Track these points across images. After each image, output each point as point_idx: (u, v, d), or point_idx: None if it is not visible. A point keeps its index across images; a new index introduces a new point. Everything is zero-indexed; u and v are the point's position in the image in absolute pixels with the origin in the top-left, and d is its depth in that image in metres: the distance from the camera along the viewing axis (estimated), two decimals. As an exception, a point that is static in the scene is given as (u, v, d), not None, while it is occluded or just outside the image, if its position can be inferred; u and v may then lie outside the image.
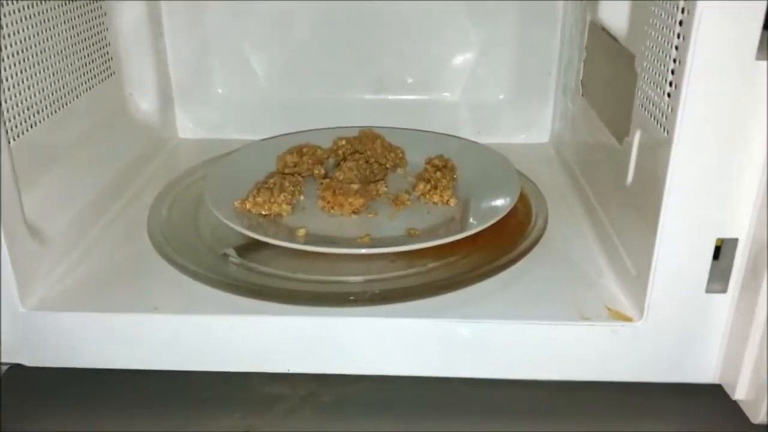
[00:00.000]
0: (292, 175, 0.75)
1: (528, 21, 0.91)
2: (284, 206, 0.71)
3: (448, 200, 0.73)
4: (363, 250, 0.64)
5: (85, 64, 0.77)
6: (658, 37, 0.55)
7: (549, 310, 0.60)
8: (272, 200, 0.70)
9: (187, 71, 0.95)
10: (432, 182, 0.74)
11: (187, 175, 0.81)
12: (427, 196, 0.74)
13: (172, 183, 0.79)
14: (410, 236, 0.67)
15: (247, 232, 0.65)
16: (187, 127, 0.97)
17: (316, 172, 0.80)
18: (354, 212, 0.71)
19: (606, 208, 0.68)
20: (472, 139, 0.93)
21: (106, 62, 0.82)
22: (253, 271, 0.64)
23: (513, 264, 0.64)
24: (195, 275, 0.62)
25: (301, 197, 0.74)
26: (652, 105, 0.56)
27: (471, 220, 0.70)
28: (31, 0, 0.65)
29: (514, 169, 0.78)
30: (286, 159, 0.80)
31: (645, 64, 0.58)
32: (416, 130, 0.91)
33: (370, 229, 0.69)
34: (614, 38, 0.66)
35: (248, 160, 0.81)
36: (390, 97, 0.97)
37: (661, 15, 0.54)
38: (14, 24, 0.62)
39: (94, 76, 0.79)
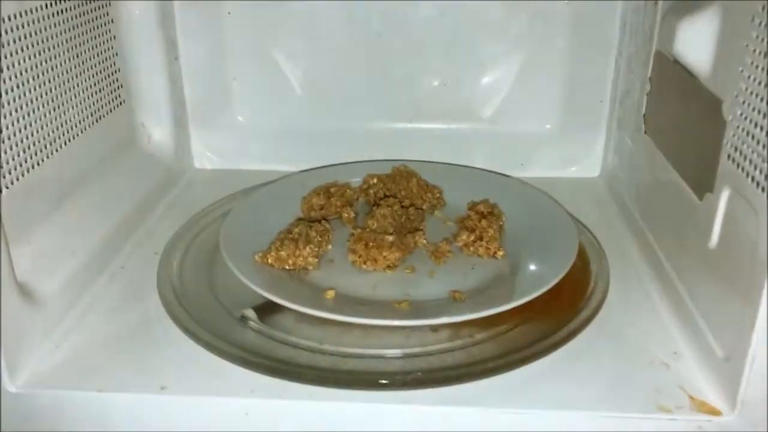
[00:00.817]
0: (319, 222, 0.67)
1: (578, 45, 0.82)
2: (310, 259, 0.63)
3: (495, 253, 0.65)
4: (401, 322, 0.55)
5: (92, 95, 0.69)
6: (757, 81, 0.46)
7: (618, 398, 0.51)
8: (297, 253, 0.62)
9: (204, 96, 0.87)
10: (477, 232, 0.66)
11: (200, 217, 0.73)
12: (472, 248, 0.65)
13: (185, 228, 0.71)
14: (455, 300, 0.59)
15: (269, 295, 0.57)
16: (204, 156, 0.89)
17: (345, 215, 0.71)
18: (389, 267, 0.63)
19: (681, 271, 0.59)
20: (516, 173, 0.85)
21: (115, 90, 0.75)
22: (274, 339, 0.56)
23: (572, 338, 0.56)
24: (208, 346, 0.54)
25: (329, 247, 0.66)
26: (747, 161, 0.47)
27: (523, 280, 0.61)
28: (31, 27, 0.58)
29: (568, 216, 0.69)
30: (312, 201, 0.72)
31: (738, 112, 0.49)
32: (454, 165, 0.83)
33: (407, 288, 0.61)
34: (692, 74, 0.57)
35: (270, 202, 0.73)
36: (425, 126, 0.88)
37: (760, 54, 0.46)
38: (12, 55, 0.55)
39: (102, 106, 0.71)
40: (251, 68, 0.86)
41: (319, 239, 0.64)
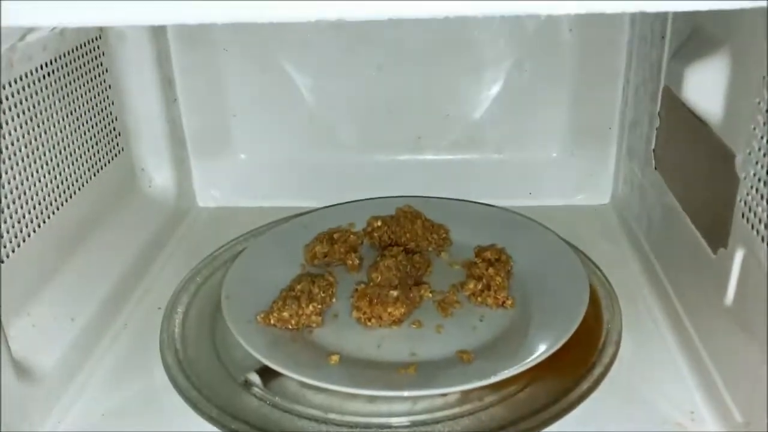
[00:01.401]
0: (322, 276, 0.65)
1: (585, 71, 0.80)
2: (314, 318, 0.61)
3: (503, 302, 0.63)
4: (408, 393, 0.54)
5: (89, 149, 0.68)
6: (771, 143, 0.44)
7: (634, 466, 0.49)
8: (300, 312, 0.61)
9: (204, 134, 0.86)
10: (484, 281, 0.64)
11: (203, 266, 0.72)
12: (479, 298, 0.64)
13: (188, 279, 0.70)
14: (462, 362, 0.57)
15: (270, 363, 0.56)
16: (207, 194, 0.88)
17: (349, 262, 0.70)
18: (394, 323, 0.61)
19: (697, 323, 0.57)
20: (524, 202, 0.83)
21: (113, 140, 0.73)
22: (277, 408, 0.54)
23: (585, 399, 0.54)
24: (212, 420, 0.53)
25: (334, 300, 0.65)
26: (763, 225, 0.45)
27: (533, 336, 0.59)
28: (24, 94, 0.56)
29: (578, 259, 0.67)
30: (316, 250, 0.70)
31: (752, 172, 0.47)
32: (460, 200, 0.81)
33: (414, 345, 0.59)
34: (702, 120, 0.55)
35: (272, 251, 0.71)
36: (429, 157, 0.86)
37: (775, 116, 0.44)
38: (7, 124, 0.54)
39: (101, 158, 0.70)
40: (250, 103, 0.84)
41: (323, 295, 0.63)
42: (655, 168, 0.69)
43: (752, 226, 0.47)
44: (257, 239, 0.74)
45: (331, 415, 0.53)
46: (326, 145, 0.86)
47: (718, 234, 0.52)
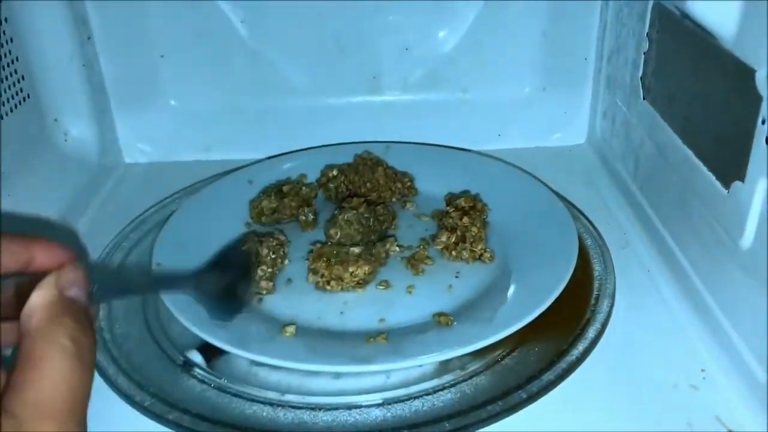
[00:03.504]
0: (271, 235, 0.56)
1: (556, -5, 0.72)
2: (263, 283, 0.53)
3: (481, 255, 0.56)
4: (378, 367, 0.45)
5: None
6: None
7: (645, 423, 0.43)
8: None
9: (128, 80, 0.74)
10: (458, 232, 0.56)
11: (132, 230, 0.62)
12: (454, 252, 0.56)
13: (112, 248, 0.60)
14: (440, 326, 0.49)
15: (213, 340, 0.47)
16: (135, 149, 0.77)
17: (302, 218, 0.61)
18: (358, 285, 0.53)
19: (703, 271, 0.50)
20: (493, 145, 0.75)
21: (14, 84, 0.62)
22: (225, 391, 0.46)
23: (580, 363, 0.47)
24: (146, 411, 0.44)
25: (287, 262, 0.56)
26: (795, 149, 0.38)
27: (518, 292, 0.52)
28: None
29: (560, 203, 0.60)
30: (262, 205, 0.61)
31: (780, 87, 0.39)
32: (425, 144, 0.73)
33: (383, 310, 0.51)
34: (710, 34, 0.47)
35: (213, 208, 0.62)
36: (387, 98, 0.77)
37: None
38: None
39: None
40: (181, 41, 0.73)
41: (273, 257, 0.54)
42: (644, 98, 0.61)
43: (780, 152, 0.40)
44: (193, 196, 0.64)
45: (289, 397, 0.45)
46: (270, 87, 0.76)
47: (731, 166, 0.45)
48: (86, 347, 0.29)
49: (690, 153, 0.52)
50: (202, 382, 0.46)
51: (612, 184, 0.68)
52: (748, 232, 0.43)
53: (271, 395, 0.45)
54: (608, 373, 0.47)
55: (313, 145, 0.73)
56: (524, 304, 0.49)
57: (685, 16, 0.50)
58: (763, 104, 0.41)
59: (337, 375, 0.46)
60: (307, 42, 0.74)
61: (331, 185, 0.65)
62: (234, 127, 0.77)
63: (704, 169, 0.49)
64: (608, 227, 0.62)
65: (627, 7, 0.64)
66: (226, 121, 0.77)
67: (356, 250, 0.53)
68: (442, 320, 0.49)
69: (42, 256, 0.33)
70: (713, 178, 0.48)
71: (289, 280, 0.55)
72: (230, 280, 0.47)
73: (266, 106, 0.77)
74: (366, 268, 0.53)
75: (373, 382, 0.46)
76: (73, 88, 0.69)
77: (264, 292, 0.53)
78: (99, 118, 0.72)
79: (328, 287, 0.53)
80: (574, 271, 0.52)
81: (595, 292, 0.52)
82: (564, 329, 0.49)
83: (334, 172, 0.65)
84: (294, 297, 0.53)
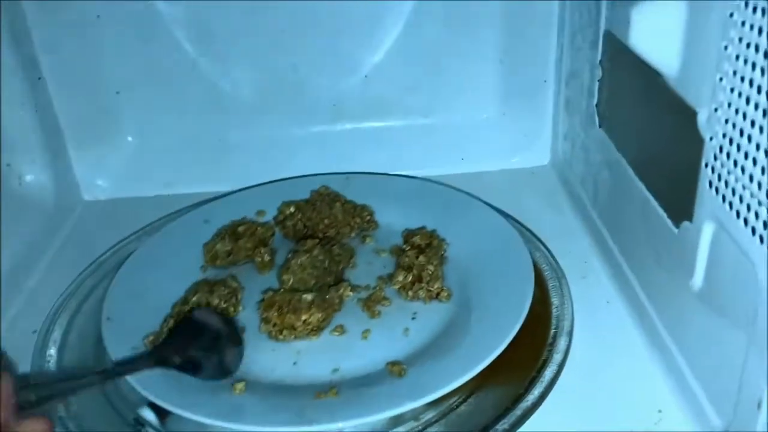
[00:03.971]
0: (223, 282, 0.55)
1: (514, 21, 0.71)
2: None
3: (438, 294, 0.55)
4: (322, 427, 0.44)
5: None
6: (743, 97, 0.36)
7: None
8: None
9: (84, 118, 0.73)
10: (415, 271, 0.55)
11: (88, 275, 0.61)
12: (410, 292, 0.55)
13: (67, 297, 0.59)
14: (393, 376, 0.48)
15: (157, 399, 0.46)
16: (94, 186, 0.76)
17: (258, 260, 0.60)
18: (312, 332, 0.52)
19: (661, 308, 0.50)
20: (456, 169, 0.75)
21: (-39, 132, 0.61)
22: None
23: (538, 406, 0.46)
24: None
25: (240, 309, 0.55)
26: (736, 197, 0.38)
27: (473, 336, 0.50)
28: None
29: (521, 241, 0.59)
30: (216, 249, 0.60)
31: (719, 132, 0.39)
32: (383, 175, 0.72)
33: (337, 358, 0.50)
34: (655, 72, 0.47)
35: (166, 254, 0.61)
36: (349, 126, 0.77)
37: (745, 62, 0.35)
38: None
39: (-56, 157, 0.58)
40: (136, 77, 0.72)
41: (224, 306, 0.53)
42: (600, 126, 0.61)
43: (723, 198, 0.39)
44: (147, 241, 0.63)
45: None
46: (229, 120, 0.75)
47: (680, 204, 0.45)
48: None
49: (642, 186, 0.51)
50: (154, 441, 0.46)
51: (574, 209, 0.68)
52: (698, 272, 0.43)
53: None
54: (564, 419, 0.46)
55: (276, 177, 0.72)
56: (479, 349, 0.48)
57: (631, 50, 0.50)
58: (706, 147, 0.41)
59: (291, 430, 0.46)
60: (265, 73, 0.73)
61: (289, 223, 0.64)
62: (194, 160, 0.76)
63: (656, 204, 0.49)
64: (569, 255, 0.61)
65: (580, 34, 0.63)
66: (185, 155, 0.76)
67: (309, 297, 0.52)
68: (394, 370, 0.48)
69: None
70: (664, 214, 0.47)
71: (243, 329, 0.54)
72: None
73: (226, 139, 0.76)
74: (319, 316, 0.52)
75: (326, 434, 0.45)
76: (25, 132, 0.67)
77: None
78: (54, 158, 0.71)
79: (281, 336, 0.52)
80: (532, 305, 0.52)
81: (553, 329, 0.51)
82: (520, 372, 0.48)
83: (291, 209, 0.64)
84: (247, 347, 0.52)
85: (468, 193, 0.67)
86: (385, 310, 0.55)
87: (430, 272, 0.55)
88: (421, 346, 0.51)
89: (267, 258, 0.60)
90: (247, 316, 0.55)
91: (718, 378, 0.42)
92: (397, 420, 0.46)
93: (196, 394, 0.47)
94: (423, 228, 0.61)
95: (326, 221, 0.63)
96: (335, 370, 0.49)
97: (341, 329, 0.53)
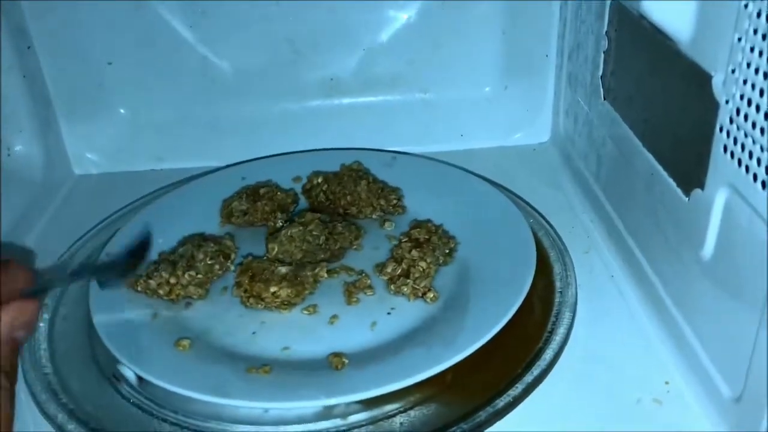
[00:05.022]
0: (216, 240, 0.55)
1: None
2: (192, 289, 0.51)
3: (424, 294, 0.51)
4: (230, 401, 0.43)
5: None
6: (764, 55, 0.35)
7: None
8: (173, 281, 0.51)
9: (75, 90, 0.71)
10: (404, 265, 0.52)
11: (80, 246, 0.60)
12: (393, 286, 0.52)
13: (64, 257, 0.58)
14: (331, 367, 0.46)
15: (110, 346, 0.46)
16: (85, 159, 0.74)
17: (270, 224, 0.59)
18: (283, 306, 0.51)
19: (667, 281, 0.49)
20: (455, 145, 0.74)
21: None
22: (152, 414, 0.44)
23: (540, 382, 0.45)
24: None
25: (232, 268, 0.54)
26: (753, 159, 0.37)
27: (434, 343, 0.47)
28: None
29: (533, 251, 0.54)
30: (232, 206, 0.59)
31: (737, 93, 0.38)
32: (430, 159, 0.69)
33: (293, 338, 0.49)
34: (668, 37, 0.46)
35: (191, 205, 0.61)
36: (347, 101, 0.75)
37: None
38: None
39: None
40: (128, 48, 0.71)
41: (210, 263, 0.53)
42: (605, 98, 0.59)
43: (738, 162, 0.38)
44: (175, 190, 0.64)
45: (175, 415, 0.44)
46: (223, 94, 0.73)
47: (691, 173, 0.44)
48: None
49: (650, 157, 0.50)
50: (133, 404, 0.45)
51: (576, 185, 0.67)
52: (709, 242, 0.42)
53: (170, 414, 0.44)
54: (570, 389, 0.45)
55: (269, 153, 0.71)
56: (425, 360, 0.45)
57: (642, 16, 0.49)
58: (721, 110, 0.40)
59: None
60: (260, 46, 0.72)
61: (314, 193, 0.62)
62: (187, 135, 0.74)
63: (665, 174, 0.48)
64: (572, 230, 0.60)
65: (586, 5, 0.62)
66: (178, 129, 0.74)
67: (283, 270, 0.51)
68: (334, 361, 0.46)
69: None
70: (674, 184, 0.46)
71: (225, 289, 0.53)
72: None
73: (219, 113, 0.74)
74: (288, 291, 0.50)
75: (252, 414, 0.44)
76: (13, 102, 0.66)
77: (195, 297, 0.52)
78: (44, 130, 0.69)
79: (248, 303, 0.51)
80: (535, 283, 0.50)
81: (556, 303, 0.50)
82: (522, 350, 0.47)
83: (319, 180, 0.62)
84: (219, 307, 0.51)
85: (503, 189, 0.63)
86: (365, 299, 0.52)
87: (422, 269, 0.52)
88: (378, 344, 0.48)
89: (279, 224, 0.59)
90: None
91: (728, 348, 0.41)
92: (326, 414, 0.43)
93: (143, 345, 0.47)
94: (429, 221, 0.58)
95: (348, 198, 0.61)
96: (285, 349, 0.48)
97: (313, 309, 0.51)
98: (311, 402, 0.43)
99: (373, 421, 0.43)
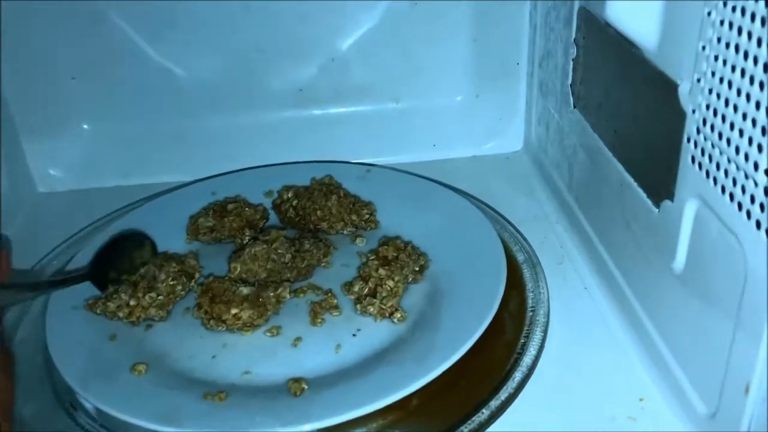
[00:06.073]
0: (178, 260, 0.53)
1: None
2: (153, 310, 0.50)
3: (392, 314, 0.50)
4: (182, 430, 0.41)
5: None
6: (728, 64, 0.34)
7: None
8: (134, 303, 0.49)
9: (37, 105, 0.69)
10: (371, 284, 0.51)
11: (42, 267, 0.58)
12: (359, 306, 0.50)
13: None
14: (290, 392, 0.44)
15: (64, 372, 0.44)
16: (49, 177, 0.72)
17: (238, 241, 0.58)
18: (245, 327, 0.49)
19: (641, 293, 0.48)
20: (428, 155, 0.73)
21: None
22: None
23: (512, 401, 0.44)
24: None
25: (194, 288, 0.53)
26: (721, 170, 0.36)
27: (396, 367, 0.45)
28: None
29: (500, 248, 0.54)
30: (198, 222, 0.58)
31: (702, 103, 0.37)
32: (405, 173, 0.67)
33: (254, 361, 0.47)
34: (634, 45, 0.45)
35: (158, 221, 0.59)
36: (317, 111, 0.74)
37: (730, 27, 0.33)
38: None
39: None
40: (91, 62, 0.68)
41: (172, 283, 0.51)
42: (575, 106, 0.59)
43: (707, 173, 0.37)
44: (143, 206, 0.63)
45: None
46: (189, 106, 0.72)
47: (660, 184, 0.43)
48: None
49: (620, 166, 0.49)
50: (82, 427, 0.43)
51: (549, 194, 0.66)
52: (680, 254, 0.41)
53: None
54: (542, 406, 0.44)
55: (239, 167, 0.69)
56: (389, 383, 0.43)
57: (608, 24, 0.48)
58: (688, 120, 0.39)
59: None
60: (226, 56, 0.70)
61: (284, 208, 0.60)
62: (153, 149, 0.72)
63: (635, 184, 0.47)
64: (545, 240, 0.59)
65: (554, 11, 0.61)
66: (144, 144, 0.72)
67: (245, 290, 0.49)
68: (293, 387, 0.44)
69: None
70: (644, 194, 0.45)
71: (187, 309, 0.51)
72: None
73: (187, 126, 0.72)
74: (250, 312, 0.48)
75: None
76: (-29, 118, 0.64)
77: (156, 318, 0.50)
78: (5, 147, 0.67)
79: (209, 325, 0.49)
80: (507, 299, 0.49)
81: (528, 316, 0.49)
82: (498, 356, 0.46)
83: (290, 194, 0.61)
84: (181, 329, 0.50)
85: (480, 204, 0.62)
86: (331, 320, 0.50)
87: (389, 288, 0.50)
88: (342, 368, 0.46)
89: (246, 241, 0.57)
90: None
91: (703, 363, 0.40)
92: None
93: (99, 370, 0.46)
94: (398, 238, 0.56)
95: (318, 213, 0.59)
96: (246, 373, 0.46)
97: (276, 330, 0.49)
98: (265, 430, 0.41)
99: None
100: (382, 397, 0.42)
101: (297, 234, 0.58)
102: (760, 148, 0.32)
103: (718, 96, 0.35)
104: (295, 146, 0.72)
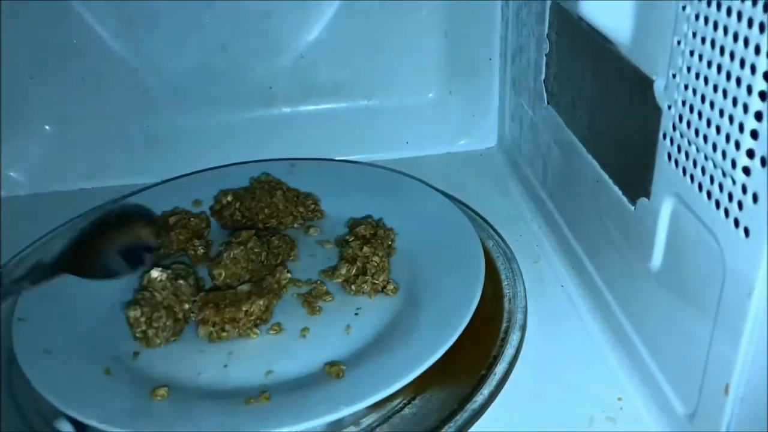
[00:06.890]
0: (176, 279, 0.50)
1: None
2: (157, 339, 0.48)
3: (384, 287, 0.51)
4: None
5: None
6: (704, 60, 0.33)
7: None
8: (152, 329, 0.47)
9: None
10: (359, 263, 0.51)
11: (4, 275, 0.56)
12: (354, 286, 0.51)
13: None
14: (330, 378, 0.44)
15: (67, 408, 0.41)
16: (9, 180, 0.69)
17: (191, 252, 0.56)
18: (255, 324, 0.48)
19: (617, 292, 0.47)
20: (401, 153, 0.72)
21: None
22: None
23: (489, 405, 0.43)
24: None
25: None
26: (698, 168, 0.35)
27: (419, 330, 0.47)
28: None
29: (469, 223, 0.56)
30: None
31: (679, 99, 0.36)
32: (331, 161, 0.68)
33: (272, 360, 0.46)
34: (608, 40, 0.44)
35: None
36: (287, 109, 0.72)
37: (706, 22, 0.33)
38: None
39: None
40: (53, 60, 0.66)
41: (176, 311, 0.48)
42: (548, 102, 0.58)
43: (683, 170, 0.36)
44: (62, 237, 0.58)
45: None
46: (155, 106, 0.70)
47: (637, 181, 0.42)
48: None
49: (595, 163, 0.48)
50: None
51: (524, 191, 0.65)
52: (657, 252, 0.41)
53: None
54: (519, 409, 0.44)
55: (208, 167, 0.68)
56: (422, 348, 0.44)
57: (581, 18, 0.47)
58: (663, 117, 0.38)
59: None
60: (193, 54, 0.68)
61: (226, 213, 0.59)
62: (118, 151, 0.70)
63: (610, 182, 0.46)
64: (520, 239, 0.59)
65: (526, 6, 0.60)
66: (109, 146, 0.70)
67: (245, 287, 0.48)
68: (332, 371, 0.44)
69: None
70: (619, 192, 0.45)
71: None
72: None
73: (153, 127, 0.70)
74: (261, 303, 0.47)
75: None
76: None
77: (143, 345, 0.48)
78: (-39, 150, 0.65)
79: (224, 334, 0.47)
80: (483, 293, 0.49)
81: (505, 317, 0.49)
82: (473, 366, 0.45)
83: (229, 198, 0.59)
84: (174, 349, 0.47)
85: (419, 180, 0.63)
86: (327, 306, 0.51)
87: (376, 264, 0.51)
88: (363, 345, 0.47)
89: (201, 251, 0.56)
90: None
91: (681, 363, 0.39)
92: (337, 425, 0.41)
93: (112, 402, 0.42)
94: (369, 217, 0.57)
95: (266, 211, 0.58)
96: (269, 373, 0.45)
97: (278, 327, 0.49)
98: (334, 415, 0.40)
99: (384, 420, 0.42)
100: (424, 360, 0.43)
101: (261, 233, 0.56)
102: (737, 145, 0.31)
103: (695, 92, 0.34)
104: (266, 145, 0.71)
